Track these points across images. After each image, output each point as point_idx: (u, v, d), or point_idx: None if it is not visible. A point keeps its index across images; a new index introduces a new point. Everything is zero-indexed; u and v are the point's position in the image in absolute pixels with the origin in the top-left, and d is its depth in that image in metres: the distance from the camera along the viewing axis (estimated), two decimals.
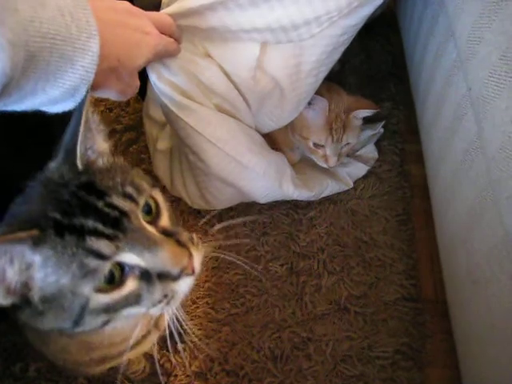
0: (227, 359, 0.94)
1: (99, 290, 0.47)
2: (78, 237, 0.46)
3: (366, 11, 0.82)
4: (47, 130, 0.80)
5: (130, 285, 0.49)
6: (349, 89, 1.11)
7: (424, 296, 1.00)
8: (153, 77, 0.79)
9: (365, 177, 1.15)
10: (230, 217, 1.10)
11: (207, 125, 0.85)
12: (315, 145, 1.05)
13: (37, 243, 0.45)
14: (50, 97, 0.51)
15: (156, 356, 0.93)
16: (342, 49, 0.90)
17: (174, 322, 0.57)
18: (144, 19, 0.64)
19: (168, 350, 0.94)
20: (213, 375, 0.93)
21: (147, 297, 0.51)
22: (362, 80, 1.28)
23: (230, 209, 1.09)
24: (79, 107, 0.51)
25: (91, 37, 0.50)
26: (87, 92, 0.52)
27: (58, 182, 0.49)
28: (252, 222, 1.09)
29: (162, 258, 0.50)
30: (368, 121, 1.12)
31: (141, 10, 0.65)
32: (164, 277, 0.50)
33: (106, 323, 0.51)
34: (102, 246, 0.46)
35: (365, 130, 1.16)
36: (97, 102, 1.33)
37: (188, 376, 0.93)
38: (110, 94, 0.62)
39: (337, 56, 0.91)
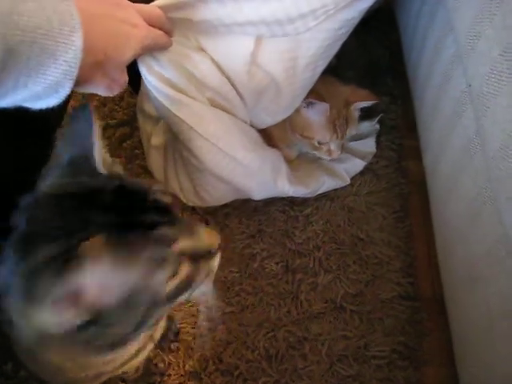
0: (222, 358, 0.93)
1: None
2: (142, 232, 0.47)
3: (364, 5, 0.80)
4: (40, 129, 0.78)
5: (184, 269, 0.52)
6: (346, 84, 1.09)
7: (421, 294, 0.99)
8: (143, 70, 0.77)
9: (362, 173, 1.13)
10: (224, 214, 1.08)
11: (200, 120, 0.84)
12: (319, 142, 1.03)
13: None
14: (32, 92, 0.49)
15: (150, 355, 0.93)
16: (340, 43, 0.88)
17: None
18: (131, 11, 0.62)
19: (162, 350, 0.93)
20: (207, 375, 0.91)
21: (196, 278, 0.54)
22: (360, 75, 1.27)
23: (225, 205, 1.07)
24: (83, 113, 0.53)
25: (74, 30, 0.48)
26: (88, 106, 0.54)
27: (83, 192, 0.49)
28: (247, 219, 1.08)
29: (204, 238, 0.54)
30: (364, 116, 1.11)
31: (128, 2, 0.63)
32: (205, 256, 0.55)
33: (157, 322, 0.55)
34: (168, 233, 0.49)
35: (362, 124, 1.15)
36: (90, 96, 1.31)
37: (182, 375, 0.91)
38: (97, 90, 0.60)
39: (334, 50, 0.89)
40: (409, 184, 1.13)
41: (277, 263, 1.02)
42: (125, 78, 0.63)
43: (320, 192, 1.09)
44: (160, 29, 0.69)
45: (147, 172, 1.12)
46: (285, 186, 1.00)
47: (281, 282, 1.00)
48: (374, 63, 1.32)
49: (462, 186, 0.75)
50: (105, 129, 1.25)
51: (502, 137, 0.53)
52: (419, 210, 1.08)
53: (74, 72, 0.50)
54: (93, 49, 0.54)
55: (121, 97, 1.29)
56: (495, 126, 0.55)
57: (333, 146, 1.03)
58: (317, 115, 1.00)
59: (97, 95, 1.30)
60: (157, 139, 1.04)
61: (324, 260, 1.02)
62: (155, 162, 1.07)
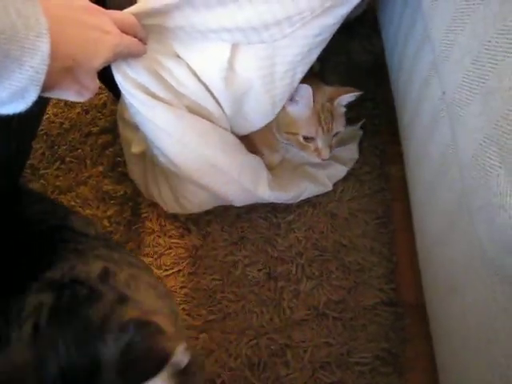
0: (204, 367, 0.92)
1: None
2: None
3: (343, 11, 0.80)
4: None
5: None
6: None
7: (404, 300, 0.99)
8: (118, 77, 0.77)
9: (344, 179, 1.13)
10: (206, 221, 1.08)
11: (177, 126, 0.83)
12: (306, 139, 1.01)
13: None
14: None
15: None
16: (320, 49, 0.88)
17: None
18: (103, 18, 0.62)
19: None
20: None
21: None
22: (343, 80, 1.27)
23: (208, 213, 1.07)
24: None
25: (40, 36, 0.47)
26: None
27: None
28: (229, 226, 1.08)
29: None
30: (347, 121, 1.10)
31: (100, 8, 0.63)
32: None
33: None
34: None
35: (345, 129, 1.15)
36: (72, 104, 1.30)
37: None
38: (66, 95, 0.60)
39: (314, 56, 0.89)
40: (391, 190, 1.12)
41: (259, 270, 1.02)
42: (95, 83, 0.62)
43: (302, 198, 1.08)
44: (134, 36, 0.68)
45: (129, 180, 1.12)
46: (265, 192, 0.99)
47: (263, 290, 1.00)
48: (357, 68, 1.32)
49: (441, 194, 0.74)
50: (87, 136, 1.24)
51: (473, 146, 0.53)
52: (402, 216, 1.08)
53: (41, 78, 0.49)
54: (61, 54, 0.53)
55: (103, 104, 1.29)
56: (467, 135, 0.55)
57: (320, 143, 1.01)
58: (300, 107, 0.99)
59: (80, 103, 1.31)
60: (137, 147, 1.04)
61: (306, 267, 1.02)
62: (136, 170, 1.06)
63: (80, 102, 1.29)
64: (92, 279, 0.60)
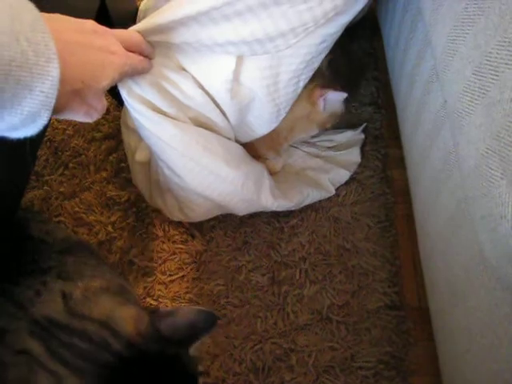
0: (208, 372, 0.93)
1: None
2: None
3: (345, 19, 0.81)
4: None
5: None
6: None
7: (407, 303, 0.99)
8: (123, 93, 0.77)
9: (347, 183, 1.13)
10: (210, 226, 1.09)
11: (182, 140, 0.83)
12: None
13: None
14: (9, 124, 0.49)
15: None
16: (322, 56, 0.88)
17: None
18: (109, 38, 0.62)
19: None
20: None
21: None
22: (344, 83, 1.27)
23: (211, 218, 1.07)
24: None
25: (50, 61, 0.48)
26: None
27: None
28: (233, 232, 1.08)
29: None
30: (350, 125, 1.11)
31: (106, 29, 0.63)
32: None
33: None
34: None
35: (346, 132, 1.16)
36: None
37: None
38: (75, 116, 0.60)
39: (317, 63, 0.89)
40: (394, 193, 1.13)
41: (263, 275, 1.03)
42: (103, 103, 0.63)
43: (305, 204, 1.09)
44: (139, 54, 0.69)
45: (133, 185, 1.12)
46: (268, 201, 0.99)
47: (267, 294, 1.00)
48: (358, 72, 1.33)
49: (443, 199, 0.75)
50: (91, 142, 1.25)
51: (475, 156, 0.53)
52: (404, 220, 1.09)
53: (52, 102, 0.50)
54: (70, 78, 0.54)
55: (107, 110, 1.29)
56: (469, 145, 0.56)
57: None
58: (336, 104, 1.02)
59: None
60: (141, 154, 1.04)
61: (310, 271, 1.02)
62: (140, 177, 1.07)
63: None
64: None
